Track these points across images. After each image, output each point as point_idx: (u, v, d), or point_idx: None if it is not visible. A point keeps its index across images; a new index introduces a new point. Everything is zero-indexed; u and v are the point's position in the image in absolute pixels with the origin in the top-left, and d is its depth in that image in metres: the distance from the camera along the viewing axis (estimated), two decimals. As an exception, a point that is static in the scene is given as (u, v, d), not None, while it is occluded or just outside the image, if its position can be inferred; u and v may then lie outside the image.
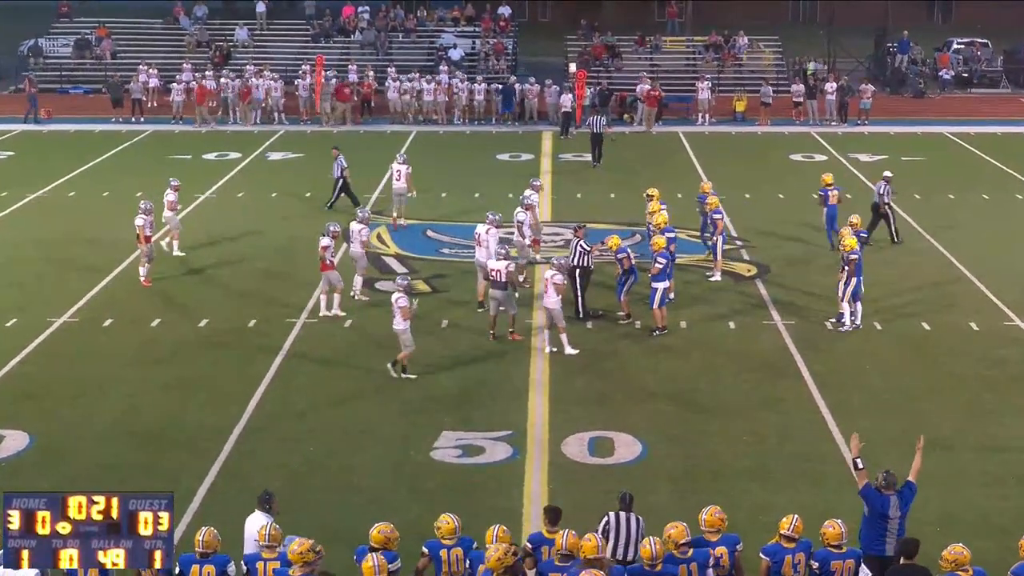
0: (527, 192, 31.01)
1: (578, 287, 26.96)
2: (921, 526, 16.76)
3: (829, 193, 32.77)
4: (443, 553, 14.47)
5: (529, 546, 14.64)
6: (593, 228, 34.53)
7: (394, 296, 23.87)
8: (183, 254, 31.94)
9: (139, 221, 29.37)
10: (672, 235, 27.61)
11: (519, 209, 29.90)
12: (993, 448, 21.09)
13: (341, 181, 36.84)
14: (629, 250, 27.05)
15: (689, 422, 22.19)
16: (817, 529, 14.70)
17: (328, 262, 27.06)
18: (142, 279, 29.56)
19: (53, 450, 20.96)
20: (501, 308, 25.94)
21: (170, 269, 30.59)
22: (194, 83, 52.83)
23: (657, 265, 26.12)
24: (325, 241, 27.16)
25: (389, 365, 24.06)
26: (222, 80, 52.87)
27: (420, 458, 20.65)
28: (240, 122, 51.75)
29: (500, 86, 53.50)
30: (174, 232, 32.14)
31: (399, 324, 23.67)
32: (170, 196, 32.07)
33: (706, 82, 53.73)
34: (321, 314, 27.24)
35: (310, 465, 20.44)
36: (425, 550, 14.54)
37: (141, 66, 55.53)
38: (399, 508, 18.38)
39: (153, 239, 29.92)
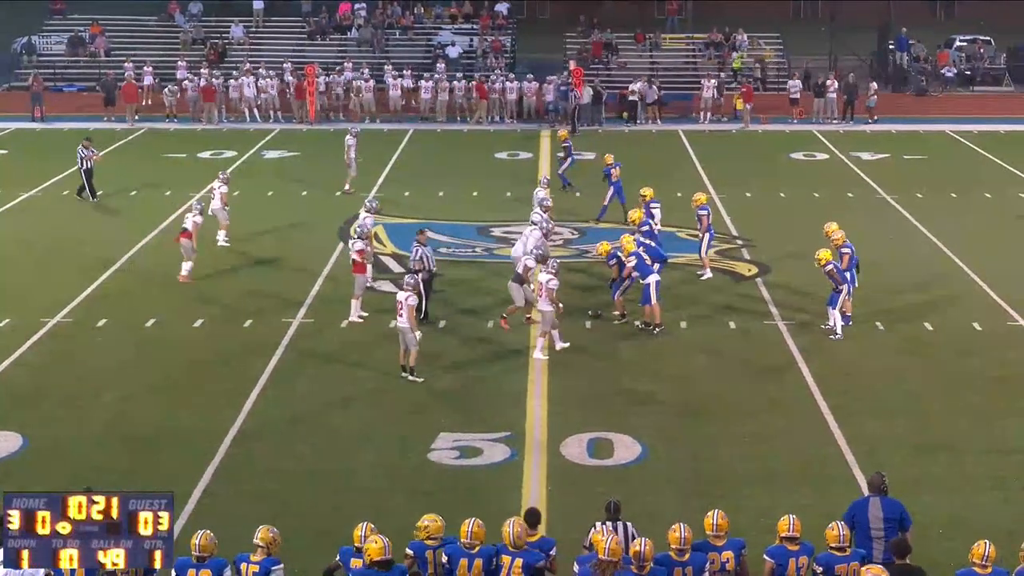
0: (543, 195, 31.47)
1: (424, 291, 26.54)
2: (926, 529, 16.58)
3: (611, 171, 34.97)
4: (428, 554, 14.37)
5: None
6: (594, 228, 34.45)
7: (403, 295, 23.50)
8: (228, 244, 32.53)
9: (198, 219, 29.76)
10: (646, 227, 27.80)
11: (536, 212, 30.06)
12: (998, 450, 20.86)
13: (89, 173, 37.73)
14: (619, 254, 26.69)
15: (689, 423, 21.96)
16: (820, 532, 14.49)
17: (360, 264, 26.93)
18: (183, 275, 29.52)
19: (46, 452, 20.73)
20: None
21: (164, 269, 30.28)
22: (187, 81, 52.68)
23: (629, 266, 25.96)
24: (359, 244, 27.09)
25: (406, 375, 23.73)
26: (214, 79, 52.68)
27: (417, 460, 20.41)
28: (203, 121, 51.48)
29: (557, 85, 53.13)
30: (224, 224, 32.80)
31: (404, 323, 23.43)
32: (222, 189, 32.89)
33: (712, 80, 53.51)
34: (350, 319, 27.00)
35: (306, 467, 20.20)
36: (410, 551, 14.42)
37: (126, 63, 55.21)
38: (396, 510, 18.15)
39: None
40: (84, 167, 37.73)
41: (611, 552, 13.57)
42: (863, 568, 13.58)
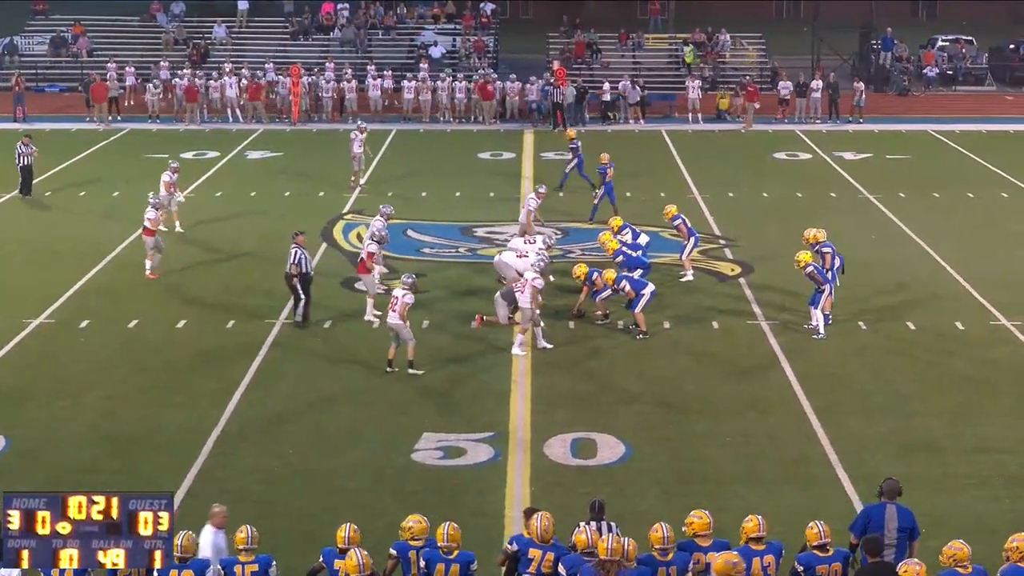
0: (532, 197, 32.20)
1: (301, 293, 26.57)
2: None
3: (606, 171, 35.12)
4: (412, 555, 14.41)
5: (512, 547, 14.55)
6: (576, 228, 34.45)
7: (400, 292, 23.83)
8: (181, 231, 33.34)
9: (150, 214, 29.83)
10: (620, 257, 27.67)
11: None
12: (981, 449, 20.90)
13: (27, 169, 38.49)
14: (598, 272, 26.62)
15: (673, 423, 21.96)
16: (803, 532, 14.50)
17: (363, 265, 27.12)
18: (148, 272, 29.66)
19: (30, 453, 20.66)
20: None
21: (144, 270, 30.13)
22: (175, 79, 52.59)
23: (629, 290, 25.99)
24: (373, 248, 27.32)
25: (391, 370, 23.87)
26: (197, 79, 52.60)
27: (401, 460, 20.38)
28: (186, 121, 51.43)
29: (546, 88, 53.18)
30: (174, 212, 33.91)
31: (396, 320, 23.56)
32: (167, 177, 33.92)
33: (696, 81, 53.53)
34: (366, 318, 26.99)
35: (289, 468, 20.16)
36: (393, 551, 14.48)
37: (109, 64, 55.05)
38: (380, 511, 18.18)
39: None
40: (21, 164, 38.29)
41: (613, 551, 13.54)
42: (899, 567, 13.52)
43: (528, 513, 15.07)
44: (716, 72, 58.33)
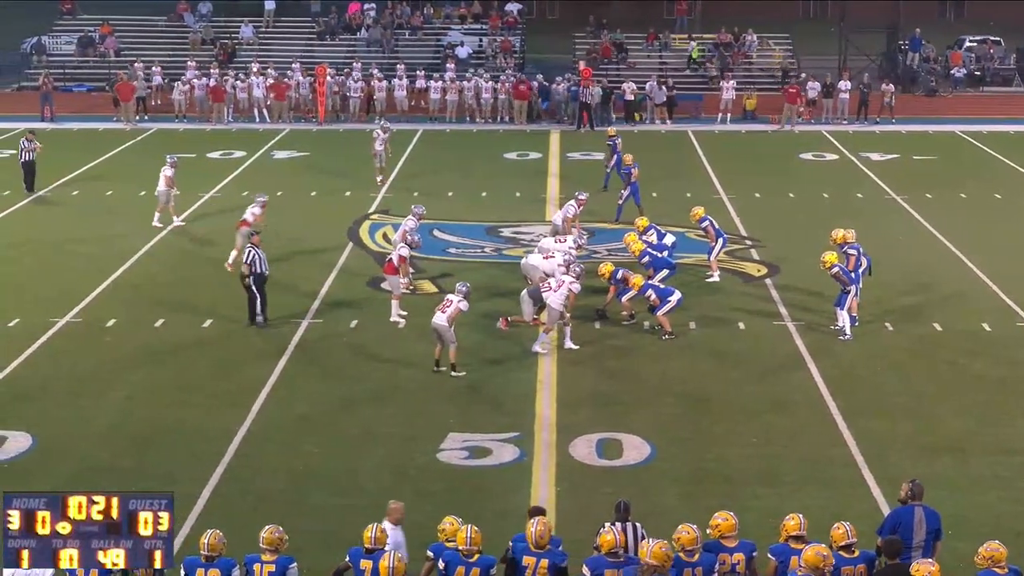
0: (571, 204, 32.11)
1: (258, 294, 26.60)
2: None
3: (631, 171, 35.16)
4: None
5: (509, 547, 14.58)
6: (601, 228, 34.41)
7: (455, 297, 23.91)
8: (160, 225, 33.92)
9: (256, 210, 30.57)
10: (646, 258, 27.81)
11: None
12: (1006, 450, 20.83)
13: (29, 165, 38.99)
14: (623, 271, 26.64)
15: (698, 424, 21.95)
16: (827, 532, 14.47)
17: (391, 266, 27.37)
18: (228, 264, 30.17)
19: (55, 451, 20.75)
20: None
21: (171, 269, 30.28)
22: (195, 80, 52.72)
23: (654, 298, 26.01)
24: (404, 251, 27.64)
25: (439, 369, 24.00)
26: (226, 79, 52.76)
27: (426, 460, 20.41)
28: (212, 121, 51.60)
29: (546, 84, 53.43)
30: (162, 205, 34.62)
31: (443, 322, 23.67)
32: (168, 172, 34.54)
33: (731, 81, 53.40)
34: (391, 318, 27.02)
35: (314, 468, 20.21)
36: (430, 553, 14.45)
37: (136, 64, 55.24)
38: (406, 511, 18.11)
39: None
40: (24, 159, 38.77)
41: (653, 555, 13.45)
42: (911, 566, 13.51)
43: (531, 513, 15.08)
44: (722, 67, 58.11)
